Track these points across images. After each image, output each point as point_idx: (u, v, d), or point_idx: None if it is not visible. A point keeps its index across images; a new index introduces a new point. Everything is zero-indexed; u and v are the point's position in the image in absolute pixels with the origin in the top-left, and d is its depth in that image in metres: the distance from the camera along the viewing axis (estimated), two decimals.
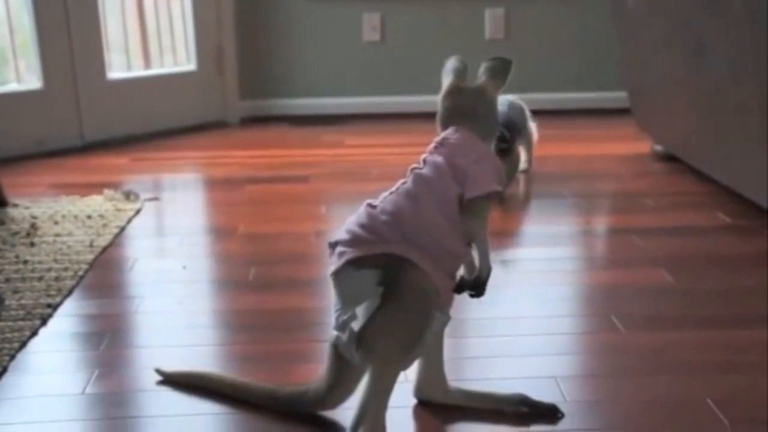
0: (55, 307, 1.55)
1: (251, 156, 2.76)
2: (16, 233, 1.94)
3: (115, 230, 1.97)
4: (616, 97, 3.14)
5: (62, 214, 2.08)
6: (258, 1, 3.25)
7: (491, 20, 3.28)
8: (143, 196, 2.25)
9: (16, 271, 1.71)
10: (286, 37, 3.29)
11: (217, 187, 2.43)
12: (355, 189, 2.35)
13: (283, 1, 3.26)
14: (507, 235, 2.01)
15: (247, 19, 3.24)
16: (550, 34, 3.25)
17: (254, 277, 1.71)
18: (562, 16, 3.30)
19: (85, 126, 2.87)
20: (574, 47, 3.28)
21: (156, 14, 3.12)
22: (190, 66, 3.16)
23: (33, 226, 1.98)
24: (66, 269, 1.72)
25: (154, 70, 3.12)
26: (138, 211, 2.13)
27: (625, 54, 2.66)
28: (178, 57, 3.19)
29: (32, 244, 1.86)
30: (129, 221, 2.05)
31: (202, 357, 1.39)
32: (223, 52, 3.18)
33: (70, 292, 1.62)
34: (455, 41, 3.20)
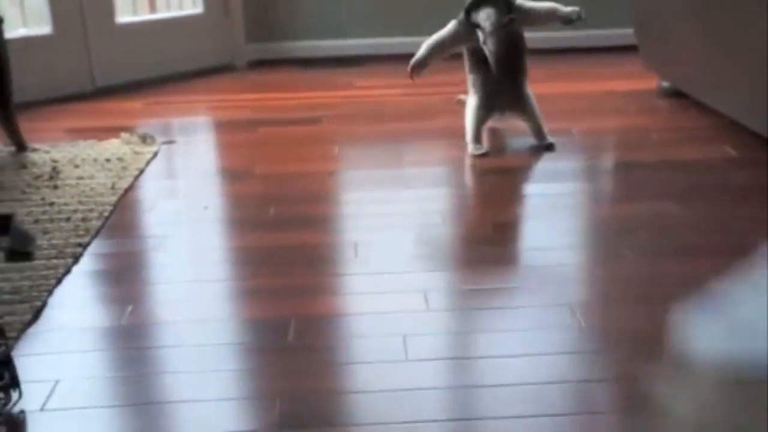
0: (85, 246, 1.61)
1: (262, 99, 2.79)
2: (38, 176, 1.99)
3: (135, 173, 2.02)
4: (621, 34, 3.15)
5: (82, 157, 2.13)
6: None
7: None
8: (159, 139, 2.29)
9: (44, 213, 1.77)
10: None
11: (230, 129, 2.46)
12: (368, 130, 2.39)
13: None
14: (517, 171, 2.06)
15: None
16: None
17: (274, 216, 1.77)
18: None
19: (95, 70, 2.89)
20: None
21: None
22: (197, 9, 3.16)
23: (54, 169, 2.03)
24: (91, 210, 1.78)
25: (162, 14, 3.13)
26: (155, 154, 2.18)
27: None
28: (183, 0, 3.19)
29: (56, 187, 1.92)
30: (147, 164, 2.10)
31: (227, 290, 1.46)
32: None
33: (97, 232, 1.68)
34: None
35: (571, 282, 1.47)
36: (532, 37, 2.35)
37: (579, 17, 2.14)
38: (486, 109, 2.14)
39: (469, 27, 2.09)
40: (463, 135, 2.16)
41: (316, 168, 2.08)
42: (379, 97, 2.75)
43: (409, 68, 2.12)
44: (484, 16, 2.05)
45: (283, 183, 1.97)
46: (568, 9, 2.15)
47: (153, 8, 3.14)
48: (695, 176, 1.93)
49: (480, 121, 2.14)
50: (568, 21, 2.16)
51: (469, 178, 2.03)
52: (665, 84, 2.64)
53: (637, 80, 2.77)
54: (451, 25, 2.13)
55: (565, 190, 1.91)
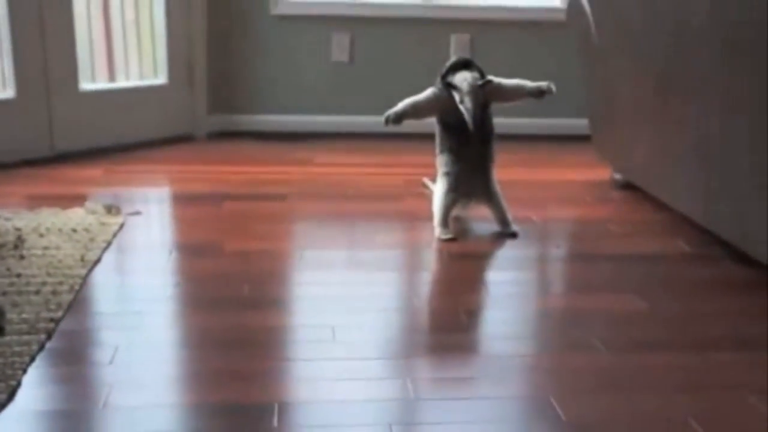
0: (57, 322, 1.58)
1: (223, 171, 2.80)
2: (2, 246, 1.95)
3: (103, 245, 2.00)
4: (577, 124, 3.30)
5: (46, 226, 2.10)
6: (229, 18, 3.30)
7: (457, 45, 3.40)
8: (124, 210, 2.28)
9: (11, 285, 1.73)
10: (256, 54, 3.35)
11: (194, 203, 2.46)
12: (334, 208, 2.43)
13: (254, 19, 3.32)
14: (483, 258, 2.11)
15: (218, 34, 3.29)
16: (513, 60, 3.39)
17: (248, 295, 1.77)
18: (524, 44, 3.44)
19: (55, 135, 2.87)
20: (537, 74, 3.39)
21: (123, 27, 3.13)
22: (161, 79, 3.18)
23: (19, 238, 1.99)
24: (61, 283, 1.75)
25: (126, 83, 3.14)
26: (122, 226, 2.16)
27: (588, 84, 2.79)
28: (144, 70, 3.21)
29: (22, 257, 1.88)
30: (114, 235, 2.08)
31: (203, 373, 1.45)
32: (194, 66, 3.22)
33: (69, 307, 1.65)
34: (421, 65, 3.31)
35: (548, 372, 1.50)
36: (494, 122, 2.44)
37: (549, 90, 2.22)
38: (454, 194, 2.19)
39: (445, 90, 2.16)
40: (428, 218, 2.21)
41: (286, 246, 2.09)
42: (340, 175, 2.80)
43: (383, 117, 2.16)
44: (461, 78, 2.14)
45: (255, 261, 1.97)
46: (537, 83, 2.24)
47: (112, 77, 3.14)
48: (654, 270, 2.00)
49: (448, 207, 2.19)
50: (538, 94, 2.23)
51: (436, 262, 2.06)
52: (618, 176, 2.76)
53: (592, 170, 2.88)
54: (428, 91, 2.20)
55: (530, 278, 1.96)
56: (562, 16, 2.84)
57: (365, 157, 3.06)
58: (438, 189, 2.22)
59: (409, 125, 2.30)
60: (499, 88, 2.20)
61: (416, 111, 2.18)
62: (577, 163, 3.03)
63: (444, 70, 2.18)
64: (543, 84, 2.23)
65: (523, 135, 3.35)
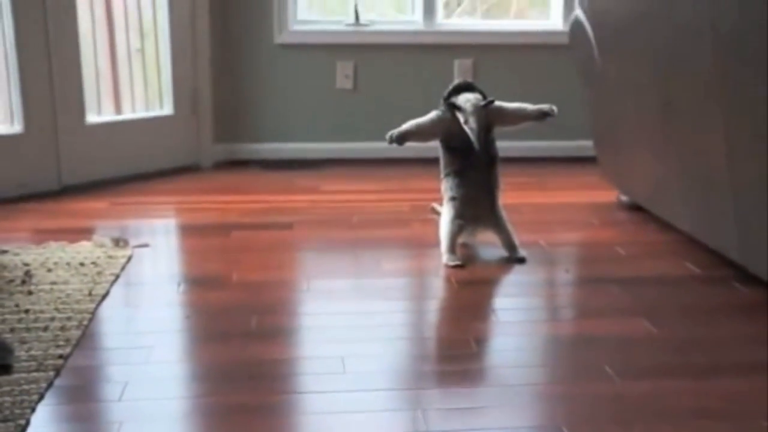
0: (66, 358, 1.58)
1: (230, 201, 2.80)
2: (11, 281, 1.96)
3: (111, 278, 2.01)
4: (581, 146, 3.30)
5: (54, 261, 2.10)
6: (234, 47, 3.32)
7: (460, 70, 3.41)
8: (131, 242, 2.28)
9: (19, 321, 1.74)
10: (261, 83, 3.36)
11: (202, 233, 2.46)
12: (341, 236, 2.42)
13: (258, 48, 3.34)
14: (491, 284, 2.10)
15: (223, 64, 3.30)
16: (517, 84, 3.39)
17: (256, 326, 1.76)
18: (527, 67, 3.45)
19: (63, 169, 2.89)
20: (540, 97, 3.38)
21: (128, 58, 3.16)
22: (167, 110, 3.20)
23: (27, 273, 2.00)
24: (69, 319, 1.75)
25: (132, 114, 3.16)
26: (129, 258, 2.16)
27: (591, 106, 2.79)
28: (150, 101, 3.23)
29: (30, 293, 1.89)
30: (122, 269, 2.09)
31: (215, 408, 1.44)
32: (199, 96, 3.24)
33: (78, 343, 1.66)
34: (425, 90, 3.31)
35: (560, 401, 1.49)
36: (500, 145, 2.44)
37: (551, 112, 2.21)
38: (460, 220, 2.18)
39: (448, 111, 2.16)
40: (436, 244, 2.21)
41: (293, 276, 2.09)
42: (347, 203, 2.79)
43: (387, 136, 2.17)
44: (464, 99, 2.15)
45: (263, 292, 1.96)
46: (538, 105, 2.24)
47: (118, 109, 3.16)
48: (663, 293, 1.99)
49: (455, 233, 2.18)
50: (540, 117, 2.23)
51: (444, 290, 2.05)
52: (623, 198, 2.76)
53: (598, 192, 2.87)
54: (431, 113, 2.21)
55: (539, 304, 1.95)
56: (564, 39, 2.85)
57: (371, 184, 3.06)
58: (444, 215, 2.22)
59: (415, 149, 2.31)
60: (501, 110, 2.20)
61: (420, 132, 2.18)
62: (582, 185, 3.03)
63: (446, 92, 2.19)
64: (545, 106, 2.23)
65: (528, 158, 3.35)
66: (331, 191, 2.96)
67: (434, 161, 2.29)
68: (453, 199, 2.18)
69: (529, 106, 2.24)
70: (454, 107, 2.12)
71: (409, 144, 2.20)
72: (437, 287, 2.08)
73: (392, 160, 3.23)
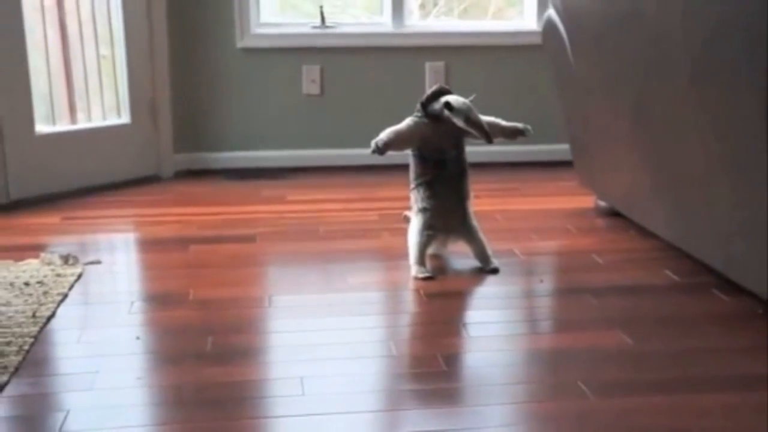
0: (2, 387, 1.52)
1: (191, 213, 2.76)
2: None
3: (58, 298, 1.94)
4: (558, 150, 3.27)
5: None
6: (194, 52, 3.27)
7: (432, 74, 3.39)
8: (82, 259, 2.22)
9: None
10: (223, 89, 3.32)
11: (159, 248, 2.41)
12: (307, 249, 2.38)
13: (220, 53, 3.29)
14: (462, 296, 2.07)
15: (182, 69, 3.25)
16: (491, 86, 3.36)
17: (212, 347, 1.71)
18: (501, 69, 3.43)
19: (11, 182, 2.81)
20: (515, 99, 3.39)
21: (84, 65, 3.09)
22: (124, 119, 3.14)
23: None
24: (9, 344, 1.69)
25: (86, 124, 3.09)
26: (79, 276, 2.10)
27: (566, 109, 2.77)
28: (106, 110, 3.17)
29: None
30: (71, 288, 2.02)
31: None
32: (158, 104, 3.19)
33: (16, 370, 1.59)
34: (395, 95, 3.29)
35: (533, 421, 1.45)
36: (468, 151, 2.40)
37: (525, 132, 2.22)
38: (430, 230, 2.15)
39: (424, 117, 2.14)
40: (405, 256, 2.17)
41: (254, 291, 2.05)
42: (314, 213, 2.75)
43: (372, 144, 2.14)
44: (454, 99, 2.12)
45: (221, 309, 1.92)
46: (513, 123, 2.24)
47: (74, 118, 3.09)
48: (642, 302, 1.97)
49: (425, 244, 2.15)
50: (512, 135, 2.23)
51: (413, 303, 2.02)
52: (601, 203, 2.73)
53: (575, 197, 2.85)
54: (407, 120, 2.18)
55: (512, 318, 1.92)
56: (538, 39, 2.83)
57: (339, 193, 3.02)
58: (413, 225, 2.18)
59: (384, 156, 2.27)
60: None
61: (400, 140, 2.16)
62: (559, 190, 3.01)
63: (424, 98, 2.17)
64: (519, 125, 2.23)
65: (502, 162, 3.33)
66: (298, 201, 2.92)
67: (403, 168, 2.25)
68: (424, 210, 2.16)
69: (501, 122, 2.24)
70: (449, 108, 2.09)
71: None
72: (406, 301, 2.05)
73: (361, 168, 3.20)
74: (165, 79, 3.19)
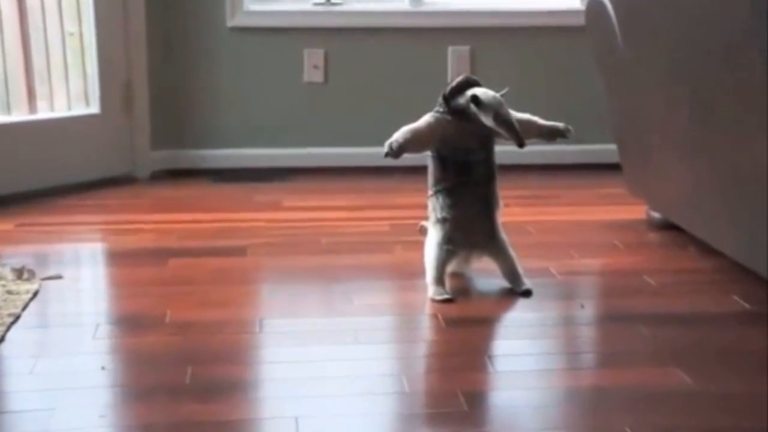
0: None
1: (170, 221, 2.78)
2: None
3: (9, 320, 1.94)
4: (603, 150, 3.26)
5: None
6: (176, 31, 3.29)
7: (455, 60, 3.38)
8: (40, 273, 2.22)
9: None
10: (210, 75, 3.33)
11: (132, 261, 2.41)
12: (305, 264, 2.39)
13: (207, 32, 3.31)
14: (488, 323, 2.06)
15: (163, 52, 3.27)
16: (524, 75, 3.35)
17: (191, 380, 1.70)
18: (536, 55, 3.43)
19: None
20: (552, 91, 3.38)
21: (45, 46, 3.10)
22: (93, 108, 3.15)
23: None
24: None
25: (49, 114, 3.11)
26: (35, 294, 2.10)
27: (613, 103, 2.77)
28: (72, 98, 3.18)
29: None
30: (25, 307, 2.02)
31: None
32: (133, 92, 3.20)
33: None
34: (412, 85, 3.29)
35: None
36: (501, 150, 2.38)
37: (565, 132, 2.21)
38: (451, 245, 2.14)
39: (447, 113, 2.12)
40: (421, 273, 2.16)
41: (244, 314, 2.05)
42: (314, 222, 2.77)
43: (386, 146, 2.11)
44: (483, 93, 2.09)
45: (203, 335, 1.91)
46: (551, 122, 2.22)
47: (33, 107, 3.10)
48: (704, 335, 1.94)
49: (443, 260, 2.14)
50: (550, 135, 2.22)
51: (430, 330, 2.02)
52: (654, 214, 2.72)
53: (623, 207, 2.85)
54: (426, 117, 2.16)
55: (547, 349, 1.91)
56: (581, 19, 2.82)
57: (344, 199, 3.03)
58: (431, 239, 2.17)
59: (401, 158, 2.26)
60: None
61: (417, 140, 2.14)
62: (604, 198, 3.01)
63: (447, 90, 2.15)
64: (559, 124, 2.22)
65: (536, 165, 3.31)
66: (296, 208, 2.93)
67: (421, 171, 2.24)
68: (444, 220, 2.16)
69: (538, 121, 2.23)
70: (476, 102, 2.07)
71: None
72: (421, 327, 2.05)
73: (371, 170, 3.20)
74: (142, 61, 3.20)
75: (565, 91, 3.40)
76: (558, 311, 2.12)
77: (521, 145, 2.08)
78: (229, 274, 2.31)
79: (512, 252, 2.18)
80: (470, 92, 2.11)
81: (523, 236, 2.52)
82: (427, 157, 2.19)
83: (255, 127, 3.38)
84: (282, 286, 2.25)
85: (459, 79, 2.18)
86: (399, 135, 2.13)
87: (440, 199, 2.16)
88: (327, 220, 2.77)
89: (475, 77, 2.20)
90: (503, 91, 2.14)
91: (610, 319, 2.08)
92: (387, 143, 2.12)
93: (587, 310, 2.13)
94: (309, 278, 2.29)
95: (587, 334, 2.04)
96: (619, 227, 2.71)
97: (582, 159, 3.39)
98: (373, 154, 2.24)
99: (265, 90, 3.36)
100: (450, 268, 2.18)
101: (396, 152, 2.11)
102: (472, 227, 2.16)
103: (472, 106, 2.09)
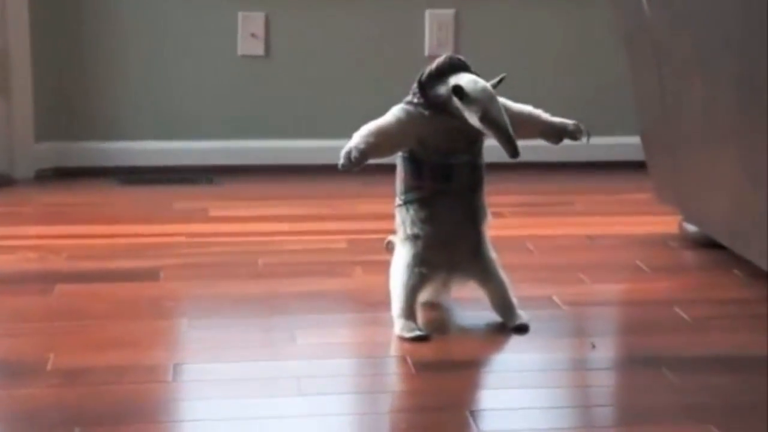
0: None
1: (59, 235, 2.79)
2: None
3: None
4: (624, 145, 3.27)
5: None
6: None
7: (433, 27, 3.39)
8: None
9: None
10: (115, 46, 3.34)
11: (7, 287, 2.41)
12: (236, 291, 2.40)
13: None
14: (471, 369, 2.06)
15: (51, 15, 3.27)
16: (523, 49, 3.37)
17: None
18: (539, 23, 3.45)
19: None
20: (561, 70, 3.40)
21: None
22: None
23: None
24: None
25: None
26: None
27: (638, 85, 2.79)
28: None
29: None
30: None
31: None
32: (11, 67, 3.20)
33: None
34: (378, 59, 3.32)
35: None
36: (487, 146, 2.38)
37: (576, 133, 2.21)
38: (425, 267, 2.15)
39: (421, 105, 2.11)
40: (387, 303, 2.17)
41: (153, 357, 2.03)
42: (250, 237, 2.79)
43: (342, 155, 2.08)
44: (469, 81, 2.07)
45: (97, 385, 1.90)
46: (558, 119, 2.22)
47: None
48: (750, 385, 1.94)
49: (415, 287, 2.15)
50: (556, 135, 2.22)
51: (396, 378, 2.03)
52: (689, 228, 2.73)
53: (649, 218, 2.89)
54: (394, 110, 2.15)
55: (548, 403, 1.91)
56: None
57: (289, 207, 3.05)
58: (398, 259, 2.18)
59: None
60: (505, 110, 2.13)
61: (384, 143, 2.13)
62: (625, 206, 3.05)
63: (423, 75, 2.13)
64: (568, 122, 2.22)
65: (541, 163, 3.32)
66: (226, 218, 2.95)
67: (388, 171, 2.25)
68: (415, 237, 2.17)
69: (543, 116, 2.23)
70: (458, 94, 2.06)
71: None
72: (386, 374, 2.05)
73: (323, 169, 3.17)
74: (23, 27, 3.21)
75: (575, 69, 3.42)
76: (563, 353, 2.13)
77: (514, 155, 2.06)
78: (135, 305, 2.31)
79: (504, 276, 2.19)
80: (453, 80, 2.10)
81: (520, 255, 2.54)
82: (396, 157, 2.20)
83: (174, 114, 3.39)
84: (205, 320, 2.24)
85: (440, 60, 2.16)
86: (359, 139, 2.11)
87: (411, 211, 2.16)
88: (266, 235, 2.78)
89: (460, 58, 2.18)
90: (497, 80, 2.13)
91: (630, 364, 2.09)
92: (344, 151, 2.09)
93: (600, 351, 2.13)
94: (240, 310, 2.29)
95: (600, 382, 2.04)
96: (644, 244, 2.74)
97: (597, 156, 3.40)
98: (327, 148, 2.24)
99: (186, 65, 3.38)
100: (423, 296, 2.19)
101: (357, 160, 2.08)
102: (450, 244, 2.16)
103: (455, 100, 2.08)
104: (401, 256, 2.17)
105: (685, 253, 2.67)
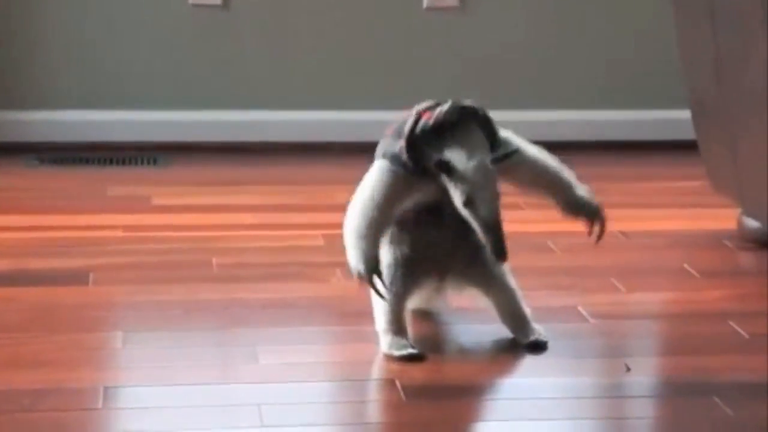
0: None
1: None
2: None
3: None
4: (669, 121, 3.29)
5: None
6: None
7: None
8: None
9: None
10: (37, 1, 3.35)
11: None
12: (184, 297, 2.41)
13: None
14: (473, 395, 2.07)
15: None
16: (542, 17, 3.36)
17: None
18: None
19: None
20: (593, 30, 3.41)
21: None
22: None
23: None
24: None
25: None
26: None
27: (686, 44, 2.80)
28: None
29: None
30: None
31: None
32: None
33: None
34: (366, 8, 3.30)
35: None
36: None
37: (595, 214, 2.23)
38: (414, 271, 2.18)
39: (414, 170, 2.11)
40: (370, 314, 2.19)
41: (79, 379, 2.04)
42: (203, 231, 2.81)
43: (355, 271, 2.11)
44: (462, 152, 2.05)
45: (9, 414, 1.90)
46: (581, 191, 2.24)
47: None
48: None
49: (399, 293, 2.16)
50: (572, 209, 2.24)
51: (382, 406, 2.04)
52: (751, 223, 2.75)
53: (700, 210, 2.93)
54: (379, 173, 2.15)
55: None
56: None
57: (252, 194, 3.08)
58: (383, 262, 2.17)
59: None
60: (516, 170, 2.18)
61: (383, 225, 2.14)
62: (670, 197, 3.08)
63: (418, 130, 2.09)
64: (591, 200, 2.24)
65: (567, 143, 3.33)
66: (173, 208, 2.98)
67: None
68: (400, 234, 2.20)
69: (566, 179, 2.25)
70: (442, 167, 2.06)
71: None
72: (370, 401, 2.07)
73: (296, 148, 3.23)
74: None
75: (610, 31, 3.42)
76: (589, 377, 2.14)
77: (500, 256, 2.07)
78: (58, 314, 2.32)
79: (513, 282, 2.20)
80: (448, 149, 2.08)
81: (539, 256, 2.57)
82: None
83: (107, 78, 3.41)
84: (144, 334, 2.26)
85: (443, 108, 2.10)
86: (357, 249, 2.12)
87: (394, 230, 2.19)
88: (223, 229, 2.80)
89: (471, 104, 2.13)
90: (504, 153, 2.12)
91: (674, 391, 2.10)
92: (354, 268, 2.11)
93: (636, 375, 2.14)
94: (189, 322, 2.31)
95: (636, 413, 2.06)
96: (694, 243, 2.76)
97: (635, 134, 3.43)
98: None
99: (123, 16, 3.38)
100: (413, 303, 2.21)
101: (370, 274, 2.09)
102: (445, 243, 2.19)
103: (443, 176, 2.07)
104: (385, 257, 2.18)
105: (744, 254, 2.70)
